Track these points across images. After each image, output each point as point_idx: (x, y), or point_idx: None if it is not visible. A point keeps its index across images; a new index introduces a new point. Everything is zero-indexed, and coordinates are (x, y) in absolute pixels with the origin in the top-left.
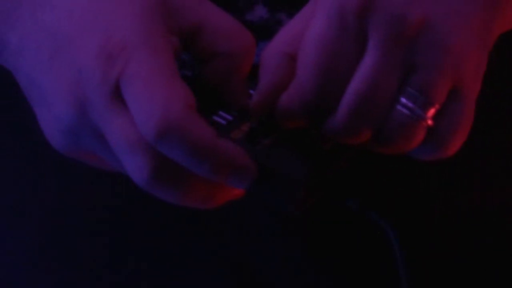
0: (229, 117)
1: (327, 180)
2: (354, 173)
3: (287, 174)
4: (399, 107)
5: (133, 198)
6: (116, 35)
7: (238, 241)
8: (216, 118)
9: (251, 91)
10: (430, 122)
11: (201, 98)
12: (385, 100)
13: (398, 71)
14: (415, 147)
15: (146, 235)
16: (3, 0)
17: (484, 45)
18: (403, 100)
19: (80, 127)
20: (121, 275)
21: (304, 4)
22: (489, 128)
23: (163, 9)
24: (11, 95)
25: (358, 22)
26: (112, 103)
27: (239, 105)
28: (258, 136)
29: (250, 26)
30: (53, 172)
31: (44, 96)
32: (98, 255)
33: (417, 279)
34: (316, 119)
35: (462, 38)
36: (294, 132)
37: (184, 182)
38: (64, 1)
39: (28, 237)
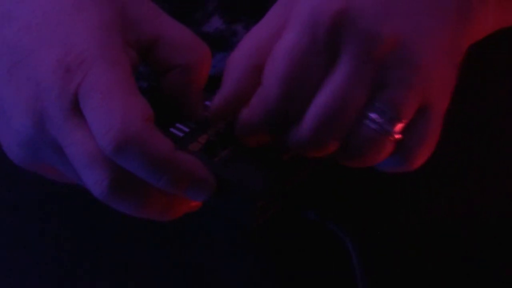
0: (186, 129)
1: (285, 192)
2: (313, 183)
3: (244, 186)
4: (367, 121)
5: (91, 207)
6: (74, 48)
7: (195, 251)
8: (173, 131)
9: (207, 103)
10: (397, 136)
11: (158, 110)
12: (352, 114)
13: (367, 87)
14: (382, 160)
15: (102, 245)
16: None
17: (453, 62)
18: (371, 115)
19: (38, 140)
20: (77, 286)
21: (260, 16)
22: (450, 139)
23: (121, 22)
24: None
25: (330, 36)
26: (70, 116)
27: (196, 117)
28: (216, 148)
29: (207, 37)
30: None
31: (3, 109)
32: (58, 264)
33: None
34: (277, 132)
35: (431, 56)
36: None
37: (142, 194)
38: (23, 15)
39: None
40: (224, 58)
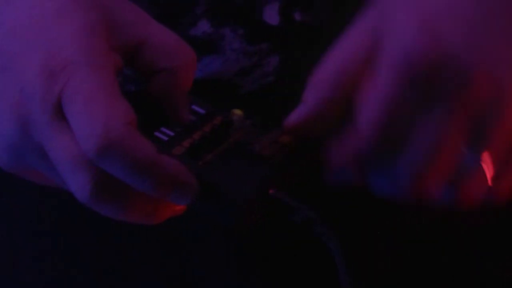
0: (171, 133)
1: (271, 195)
2: (300, 184)
3: (229, 190)
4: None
5: (81, 212)
6: (58, 53)
7: (180, 252)
8: (157, 134)
9: (194, 107)
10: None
11: (144, 113)
12: (449, 162)
13: (463, 133)
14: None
15: (87, 244)
16: None
17: None
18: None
19: (22, 145)
20: (62, 284)
21: (246, 20)
22: None
23: (105, 26)
24: None
25: (425, 84)
26: (53, 121)
27: (182, 121)
28: (200, 152)
29: (194, 41)
30: None
31: None
32: (38, 264)
33: None
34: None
35: None
36: (237, 146)
37: (126, 198)
38: (8, 20)
39: None
40: (211, 61)
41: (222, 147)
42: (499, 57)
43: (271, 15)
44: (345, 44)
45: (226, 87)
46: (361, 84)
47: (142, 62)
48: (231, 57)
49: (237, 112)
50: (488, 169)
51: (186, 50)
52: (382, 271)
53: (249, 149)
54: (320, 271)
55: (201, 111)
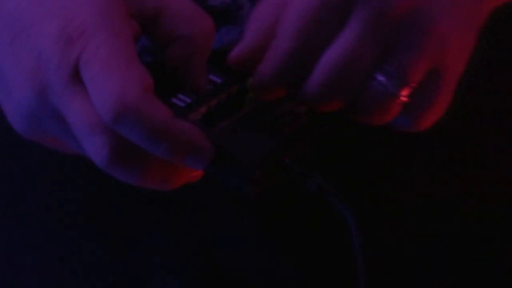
0: (188, 100)
1: (285, 163)
2: (315, 154)
3: (243, 156)
4: (374, 83)
5: (94, 180)
6: (75, 19)
7: (198, 225)
8: (174, 100)
9: (212, 77)
10: (404, 99)
11: (162, 81)
12: (360, 73)
13: (377, 49)
14: (389, 120)
15: (107, 218)
16: None
17: (471, 27)
18: (379, 77)
19: (40, 110)
20: (82, 257)
21: None
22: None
23: None
24: None
25: None
26: (71, 86)
27: (199, 89)
28: (216, 118)
29: (212, 11)
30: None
31: (5, 80)
32: (59, 236)
33: (374, 265)
34: (291, 87)
35: (447, 21)
36: (252, 115)
37: (142, 163)
38: None
39: None
40: (229, 32)
41: (238, 115)
42: None
43: None
44: None
45: None
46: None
47: (160, 30)
48: None
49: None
50: (402, 88)
51: (203, 17)
52: (394, 243)
53: (265, 118)
54: (332, 243)
55: (218, 80)
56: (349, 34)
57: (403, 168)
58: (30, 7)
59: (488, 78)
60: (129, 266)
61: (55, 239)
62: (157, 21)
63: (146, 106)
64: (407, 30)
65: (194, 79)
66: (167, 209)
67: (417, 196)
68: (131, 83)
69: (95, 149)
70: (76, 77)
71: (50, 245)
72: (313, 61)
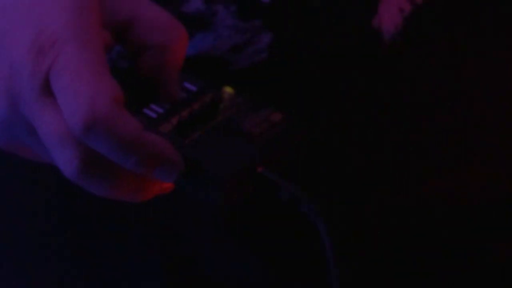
0: (160, 110)
1: (258, 173)
2: (287, 162)
3: (212, 167)
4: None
5: (71, 188)
6: (47, 29)
7: (176, 234)
8: (146, 111)
9: (186, 84)
10: None
11: (135, 90)
12: None
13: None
14: None
15: (84, 227)
16: None
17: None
18: None
19: (12, 121)
20: (59, 269)
21: None
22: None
23: (95, 2)
24: None
25: None
26: (42, 97)
27: (173, 98)
28: (188, 129)
29: (186, 18)
30: None
31: None
32: (36, 243)
33: (346, 270)
34: None
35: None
36: (226, 124)
37: (112, 175)
38: None
39: None
40: (204, 38)
41: (211, 125)
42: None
43: None
44: None
45: (219, 64)
46: None
47: (132, 38)
48: (223, 34)
49: (228, 89)
50: None
51: (176, 26)
52: (370, 251)
53: (238, 127)
54: (307, 249)
55: (193, 88)
56: None
57: (382, 176)
58: (3, 18)
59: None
60: (106, 275)
61: (31, 247)
62: (130, 30)
63: (115, 118)
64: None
65: (167, 88)
66: (144, 217)
67: (392, 202)
68: (101, 96)
69: (65, 161)
70: (47, 88)
71: (26, 254)
72: None
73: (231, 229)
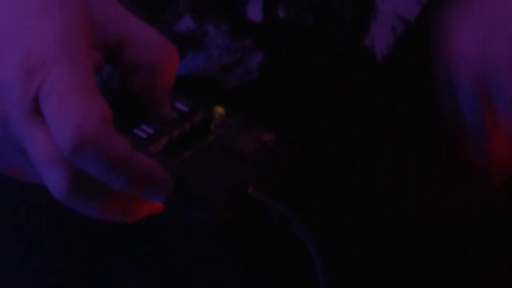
0: (150, 130)
1: (249, 193)
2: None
3: (203, 188)
4: None
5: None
6: (36, 50)
7: (165, 247)
8: (136, 131)
9: (177, 104)
10: None
11: (126, 110)
12: None
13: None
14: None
15: (73, 239)
16: None
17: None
18: None
19: (1, 141)
20: (48, 281)
21: (230, 17)
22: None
23: (85, 23)
24: None
25: None
26: (31, 117)
27: (163, 118)
28: (177, 149)
29: (177, 37)
30: None
31: None
32: (27, 260)
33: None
34: None
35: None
36: (217, 144)
37: (101, 196)
38: None
39: None
40: (195, 58)
41: (202, 145)
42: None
43: (255, 12)
44: None
45: (210, 84)
46: None
47: (123, 59)
48: (214, 54)
49: (219, 109)
50: None
51: (167, 46)
52: (361, 271)
53: (229, 147)
54: (299, 270)
55: (184, 108)
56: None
57: (374, 196)
58: None
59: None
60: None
61: (20, 260)
62: (120, 50)
63: (104, 139)
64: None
65: (158, 108)
66: (133, 232)
67: (388, 222)
68: (89, 116)
69: (54, 181)
70: (36, 108)
71: (16, 266)
72: None
73: (221, 248)
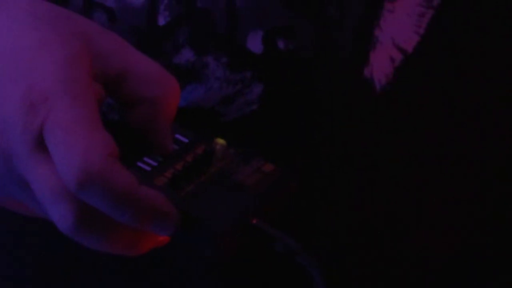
0: (154, 163)
1: (253, 224)
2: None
3: (209, 221)
4: None
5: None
6: (38, 84)
7: (167, 281)
8: (140, 165)
9: (178, 136)
10: None
11: (128, 143)
12: None
13: None
14: None
15: (74, 277)
16: None
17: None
18: None
19: (4, 176)
20: None
21: (230, 49)
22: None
23: (87, 55)
24: None
25: None
26: (35, 152)
27: (165, 151)
28: (182, 182)
29: (177, 69)
30: None
31: None
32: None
33: None
34: None
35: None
36: (219, 176)
37: (108, 230)
38: None
39: None
40: (195, 89)
41: (204, 177)
42: None
43: (255, 43)
44: None
45: (209, 116)
46: None
47: (124, 92)
48: (214, 85)
49: (220, 141)
50: None
51: (169, 79)
52: None
53: (231, 179)
54: None
55: (185, 140)
56: None
57: (378, 226)
58: None
59: None
60: None
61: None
62: (121, 82)
63: (110, 173)
64: None
65: (159, 141)
66: (135, 264)
67: (393, 254)
68: (95, 151)
69: (60, 216)
70: (40, 143)
71: None
72: None
73: (225, 280)
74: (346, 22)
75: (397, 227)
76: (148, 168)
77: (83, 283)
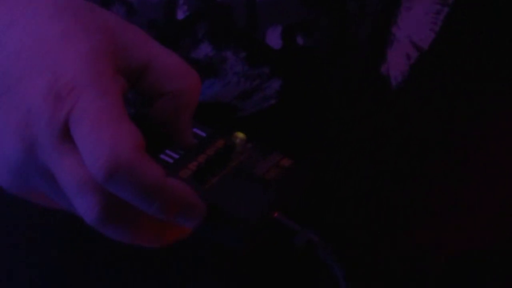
0: (176, 156)
1: (275, 218)
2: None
3: (235, 213)
4: None
5: (74, 233)
6: (64, 75)
7: (180, 278)
8: (163, 157)
9: (196, 130)
10: None
11: (148, 136)
12: None
13: None
14: None
15: (85, 273)
16: None
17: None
18: None
19: (28, 167)
20: None
21: (248, 43)
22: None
23: (110, 48)
24: None
25: None
26: (60, 143)
27: (186, 144)
28: (206, 175)
29: (196, 64)
30: None
31: None
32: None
33: None
34: None
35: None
36: (240, 169)
37: (134, 221)
38: (12, 42)
39: None
40: (213, 84)
41: (225, 170)
42: None
43: (274, 39)
44: None
45: (227, 110)
46: None
47: (146, 84)
48: (232, 80)
49: (240, 135)
50: None
51: (190, 73)
52: None
53: (252, 172)
54: None
55: (202, 134)
56: None
57: (394, 219)
58: (17, 63)
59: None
60: None
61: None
62: (143, 76)
63: (138, 164)
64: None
65: (181, 135)
66: (147, 260)
67: (407, 251)
68: (123, 141)
69: (86, 207)
70: (66, 134)
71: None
72: None
73: (242, 273)
74: (365, 19)
75: (410, 217)
76: (170, 161)
77: (90, 282)
